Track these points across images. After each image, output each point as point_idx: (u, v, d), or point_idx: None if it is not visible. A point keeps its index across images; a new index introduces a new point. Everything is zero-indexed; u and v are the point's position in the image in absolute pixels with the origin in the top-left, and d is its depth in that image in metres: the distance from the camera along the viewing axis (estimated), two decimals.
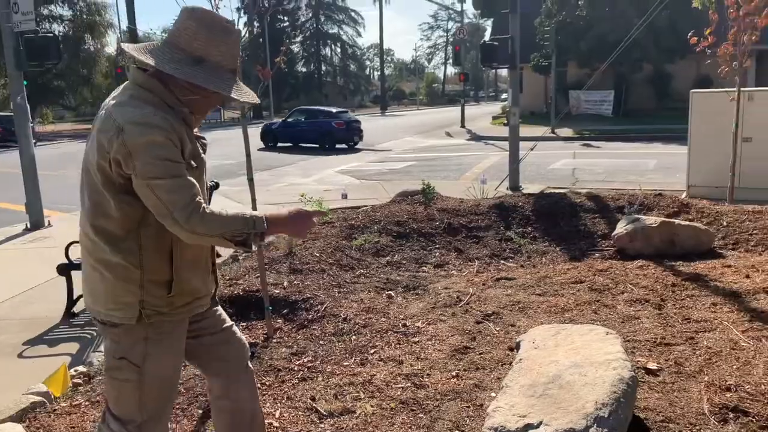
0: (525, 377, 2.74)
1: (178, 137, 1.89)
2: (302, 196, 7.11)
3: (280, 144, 22.90)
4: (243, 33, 4.21)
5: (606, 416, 2.39)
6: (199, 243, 1.95)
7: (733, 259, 5.47)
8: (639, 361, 3.49)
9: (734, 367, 3.33)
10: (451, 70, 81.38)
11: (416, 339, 4.13)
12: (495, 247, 6.54)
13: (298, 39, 63.66)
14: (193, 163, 1.98)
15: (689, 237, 5.87)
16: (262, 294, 4.36)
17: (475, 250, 6.47)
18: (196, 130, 2.10)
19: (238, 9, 46.51)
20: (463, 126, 29.79)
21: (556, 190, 9.14)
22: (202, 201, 1.89)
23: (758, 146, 8.92)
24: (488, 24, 50.38)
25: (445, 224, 7.03)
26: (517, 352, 3.14)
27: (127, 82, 2.02)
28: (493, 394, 3.26)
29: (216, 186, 7.20)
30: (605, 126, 23.18)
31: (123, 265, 1.95)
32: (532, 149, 10.97)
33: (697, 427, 2.79)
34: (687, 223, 6.18)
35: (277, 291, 4.97)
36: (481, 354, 3.83)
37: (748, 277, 4.80)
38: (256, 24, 46.23)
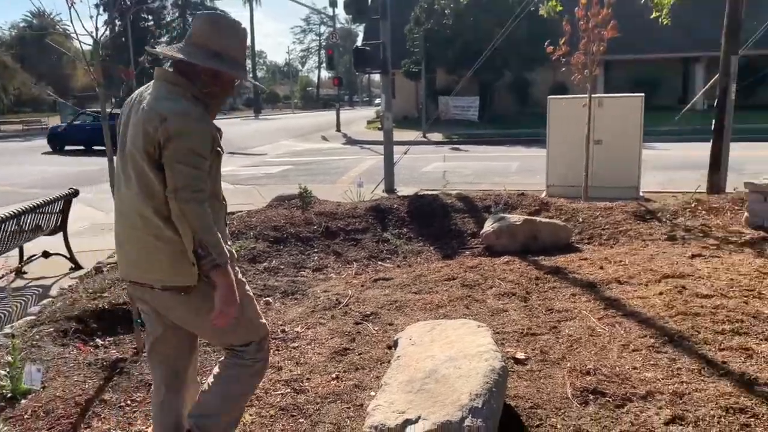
0: (403, 374, 2.80)
1: (210, 131, 2.20)
2: None
3: (68, 147, 22.24)
4: (103, 32, 3.98)
5: (480, 406, 2.50)
6: (178, 224, 2.15)
7: (589, 252, 5.93)
8: (508, 351, 3.68)
9: (593, 352, 3.60)
10: (325, 74, 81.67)
11: (295, 344, 4.09)
12: (372, 249, 6.63)
13: (164, 39, 60.89)
14: (219, 149, 2.28)
15: (550, 233, 6.28)
16: (130, 307, 4.12)
17: (353, 253, 6.53)
18: None
19: (96, 5, 43.71)
20: (338, 130, 29.95)
21: (429, 192, 9.43)
22: (206, 197, 2.17)
23: (608, 148, 9.74)
24: (360, 30, 51.09)
25: (323, 228, 7.03)
26: (395, 349, 3.21)
27: (154, 80, 2.31)
28: (372, 393, 3.29)
29: (75, 193, 6.71)
30: (472, 130, 24.25)
31: (176, 239, 2.19)
32: (405, 153, 11.23)
33: (562, 411, 2.98)
34: (547, 220, 6.62)
35: None
36: (360, 354, 3.86)
37: (602, 268, 5.21)
38: (118, 22, 43.67)
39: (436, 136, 22.86)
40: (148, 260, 2.28)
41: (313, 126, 34.76)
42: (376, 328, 4.27)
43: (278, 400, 3.32)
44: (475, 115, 27.45)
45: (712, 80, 12.51)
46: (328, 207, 7.73)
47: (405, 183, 12.17)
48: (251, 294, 2.50)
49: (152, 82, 2.31)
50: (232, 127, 33.49)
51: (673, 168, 13.05)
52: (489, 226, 6.40)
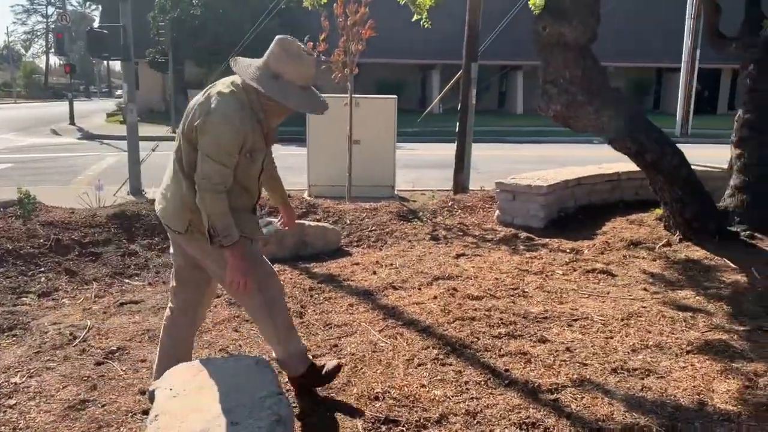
0: None
1: (244, 136, 2.54)
2: None
3: None
4: None
5: None
6: (198, 205, 2.55)
7: (360, 256, 5.73)
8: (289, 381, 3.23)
9: (378, 371, 3.31)
10: (55, 60, 72.49)
11: (12, 401, 3.15)
12: (117, 264, 5.65)
13: None
14: (248, 155, 2.62)
15: (319, 237, 5.98)
16: None
17: (92, 270, 5.49)
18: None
19: None
20: (73, 123, 26.55)
21: None
22: (224, 189, 2.54)
23: (365, 148, 9.85)
24: (96, 14, 46.39)
25: (52, 241, 5.83)
26: (152, 405, 2.54)
27: (237, 77, 2.65)
28: None
29: None
30: None
31: (187, 196, 2.66)
32: (154, 150, 10.13)
33: None
34: (316, 223, 6.30)
35: None
36: (104, 406, 3.09)
37: (375, 273, 5.03)
38: None
39: None
40: (167, 204, 2.77)
41: (41, 118, 30.50)
42: (124, 368, 3.50)
43: None
44: None
45: (447, 86, 13.38)
46: (58, 215, 6.46)
47: (155, 184, 11.00)
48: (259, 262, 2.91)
49: (235, 58, 2.66)
50: None
51: (419, 167, 13.80)
52: None
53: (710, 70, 29.07)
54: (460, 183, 10.52)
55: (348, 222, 6.79)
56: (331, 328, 3.98)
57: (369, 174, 9.97)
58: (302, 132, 10.86)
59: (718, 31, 6.98)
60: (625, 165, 7.31)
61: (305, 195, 8.70)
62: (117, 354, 3.67)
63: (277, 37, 2.64)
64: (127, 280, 5.35)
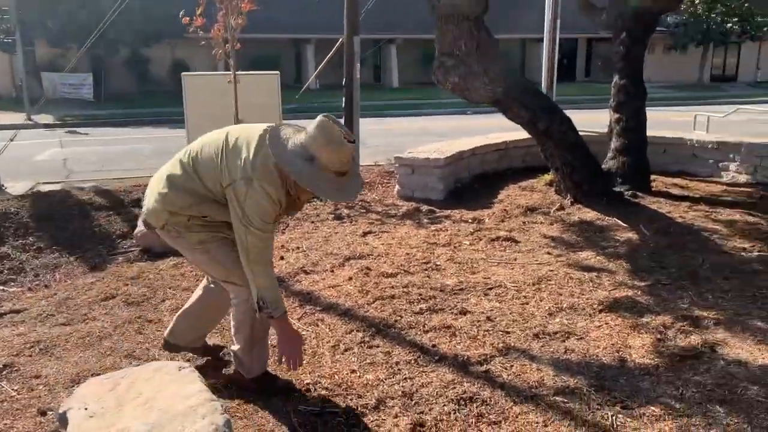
0: None
1: (280, 204, 2.56)
2: None
3: None
4: None
5: None
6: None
7: None
8: (211, 382, 3.01)
9: (305, 362, 3.17)
10: None
11: None
12: None
13: None
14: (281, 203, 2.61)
15: None
16: None
17: None
18: None
19: None
20: None
21: (52, 186, 7.80)
22: (271, 258, 2.64)
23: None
24: None
25: None
26: (65, 429, 2.25)
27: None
28: None
29: None
30: (89, 111, 21.60)
31: (173, 199, 2.68)
32: (12, 140, 9.15)
33: None
34: None
35: None
36: None
37: (282, 258, 4.84)
38: None
39: (46, 119, 19.63)
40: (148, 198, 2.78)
41: None
42: (16, 388, 3.10)
43: None
44: (90, 93, 24.50)
45: (324, 60, 13.19)
46: None
47: (15, 177, 9.94)
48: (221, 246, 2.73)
49: (275, 129, 2.56)
50: None
51: None
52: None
53: (568, 40, 30.82)
54: None
55: None
56: None
57: None
58: (178, 113, 10.26)
59: (589, 2, 7.32)
60: (511, 134, 7.57)
61: None
62: (4, 373, 3.24)
63: (320, 118, 2.48)
64: (1, 287, 4.78)
